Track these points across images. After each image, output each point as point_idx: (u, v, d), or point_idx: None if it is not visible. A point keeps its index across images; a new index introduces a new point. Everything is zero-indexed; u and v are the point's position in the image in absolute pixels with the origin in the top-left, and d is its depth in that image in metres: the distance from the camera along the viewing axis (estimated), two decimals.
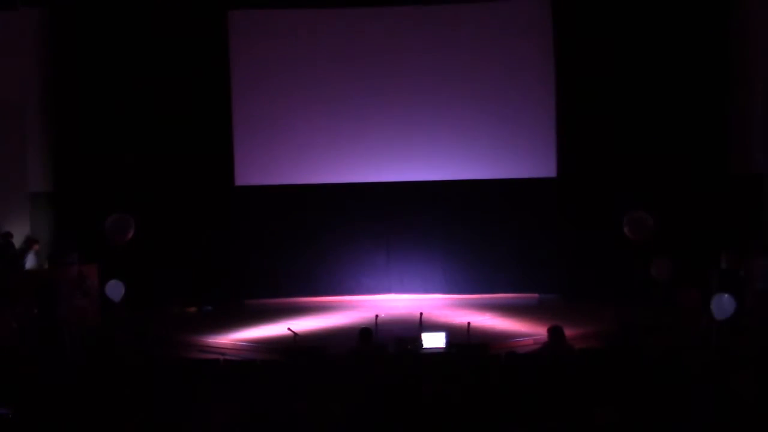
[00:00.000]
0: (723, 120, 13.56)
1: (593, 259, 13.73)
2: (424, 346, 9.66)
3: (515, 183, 14.28)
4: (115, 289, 11.65)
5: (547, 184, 14.17)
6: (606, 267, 13.53)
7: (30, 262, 12.84)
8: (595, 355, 8.85)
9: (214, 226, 14.14)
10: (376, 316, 10.75)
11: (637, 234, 11.60)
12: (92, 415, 6.71)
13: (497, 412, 6.27)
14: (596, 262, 13.69)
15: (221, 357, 9.50)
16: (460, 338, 10.05)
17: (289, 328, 9.95)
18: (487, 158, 14.28)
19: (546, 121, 14.08)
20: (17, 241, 13.15)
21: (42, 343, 10.42)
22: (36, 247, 13.05)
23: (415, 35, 14.21)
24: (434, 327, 10.58)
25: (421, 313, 10.40)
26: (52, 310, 10.33)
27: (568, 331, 11.55)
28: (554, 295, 14.14)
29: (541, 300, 14.12)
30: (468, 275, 14.58)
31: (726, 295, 9.51)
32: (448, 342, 9.73)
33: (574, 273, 13.98)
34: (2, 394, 7.32)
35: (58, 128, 14.08)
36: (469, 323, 10.19)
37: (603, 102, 13.72)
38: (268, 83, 14.33)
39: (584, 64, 13.73)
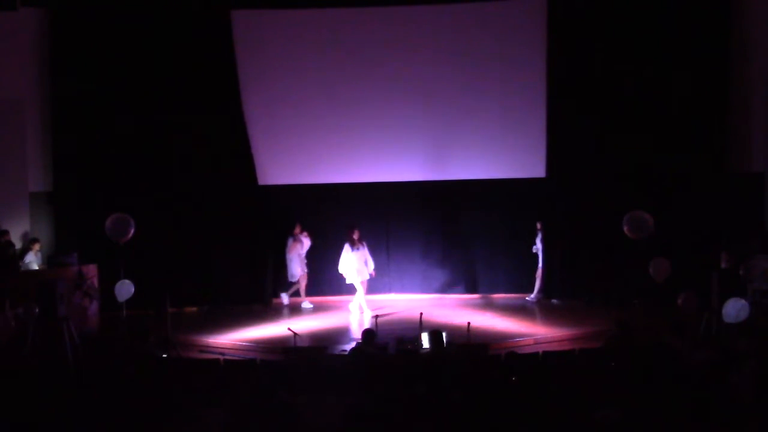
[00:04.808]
0: (723, 120, 13.55)
1: (590, 259, 13.75)
2: (424, 346, 9.66)
3: (514, 183, 14.27)
4: (123, 290, 11.65)
5: (546, 184, 14.15)
6: (603, 267, 13.53)
7: (33, 262, 12.83)
8: (595, 355, 8.84)
9: (212, 227, 14.12)
10: (376, 316, 10.77)
11: (637, 233, 11.61)
12: (92, 415, 6.71)
13: (497, 412, 6.27)
14: (593, 263, 13.70)
15: (221, 357, 9.50)
16: (460, 338, 10.06)
17: (289, 328, 9.96)
18: (487, 159, 14.29)
19: (539, 121, 14.05)
20: (15, 240, 13.16)
21: (42, 343, 10.42)
22: (36, 246, 13.05)
23: (415, 36, 14.16)
24: (434, 327, 10.57)
25: (421, 313, 10.40)
26: (52, 310, 10.32)
27: (568, 331, 11.65)
28: (542, 295, 14.15)
29: (539, 300, 14.10)
30: (468, 275, 14.60)
31: (743, 301, 9.56)
32: (448, 342, 9.72)
33: (571, 273, 13.98)
34: (2, 393, 7.33)
35: (58, 128, 14.06)
36: (469, 323, 10.20)
37: (600, 102, 13.68)
38: (271, 83, 14.29)
39: (580, 64, 13.68)
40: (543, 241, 13.92)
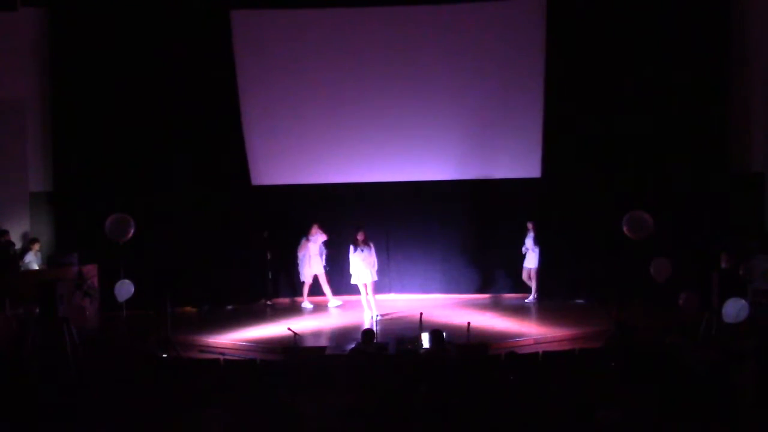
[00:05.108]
0: (723, 120, 13.54)
1: (590, 259, 13.74)
2: (424, 346, 9.66)
3: (513, 183, 14.28)
4: (123, 289, 11.65)
5: (542, 184, 14.14)
6: (603, 267, 13.52)
7: (32, 262, 12.83)
8: (595, 355, 8.85)
9: (211, 227, 14.11)
10: (377, 316, 10.77)
11: (637, 233, 11.61)
12: (92, 415, 6.72)
13: (497, 412, 6.28)
14: (593, 263, 13.69)
15: (221, 357, 9.50)
16: (460, 338, 10.06)
17: (289, 328, 9.96)
18: (486, 158, 14.28)
19: (537, 121, 14.02)
20: (15, 240, 13.15)
21: (42, 343, 10.42)
22: (36, 246, 13.05)
23: (414, 36, 14.13)
24: (434, 327, 10.58)
25: (421, 313, 10.40)
26: (52, 310, 10.32)
27: (568, 331, 11.65)
28: (539, 295, 14.10)
29: (537, 300, 14.08)
30: (468, 275, 14.60)
31: (743, 301, 9.56)
32: (448, 342, 9.73)
33: (570, 273, 13.98)
34: (3, 394, 7.33)
35: (58, 128, 14.04)
36: (469, 323, 10.20)
37: (598, 103, 13.65)
38: (270, 83, 14.29)
39: (579, 64, 13.66)
40: (536, 241, 13.87)
